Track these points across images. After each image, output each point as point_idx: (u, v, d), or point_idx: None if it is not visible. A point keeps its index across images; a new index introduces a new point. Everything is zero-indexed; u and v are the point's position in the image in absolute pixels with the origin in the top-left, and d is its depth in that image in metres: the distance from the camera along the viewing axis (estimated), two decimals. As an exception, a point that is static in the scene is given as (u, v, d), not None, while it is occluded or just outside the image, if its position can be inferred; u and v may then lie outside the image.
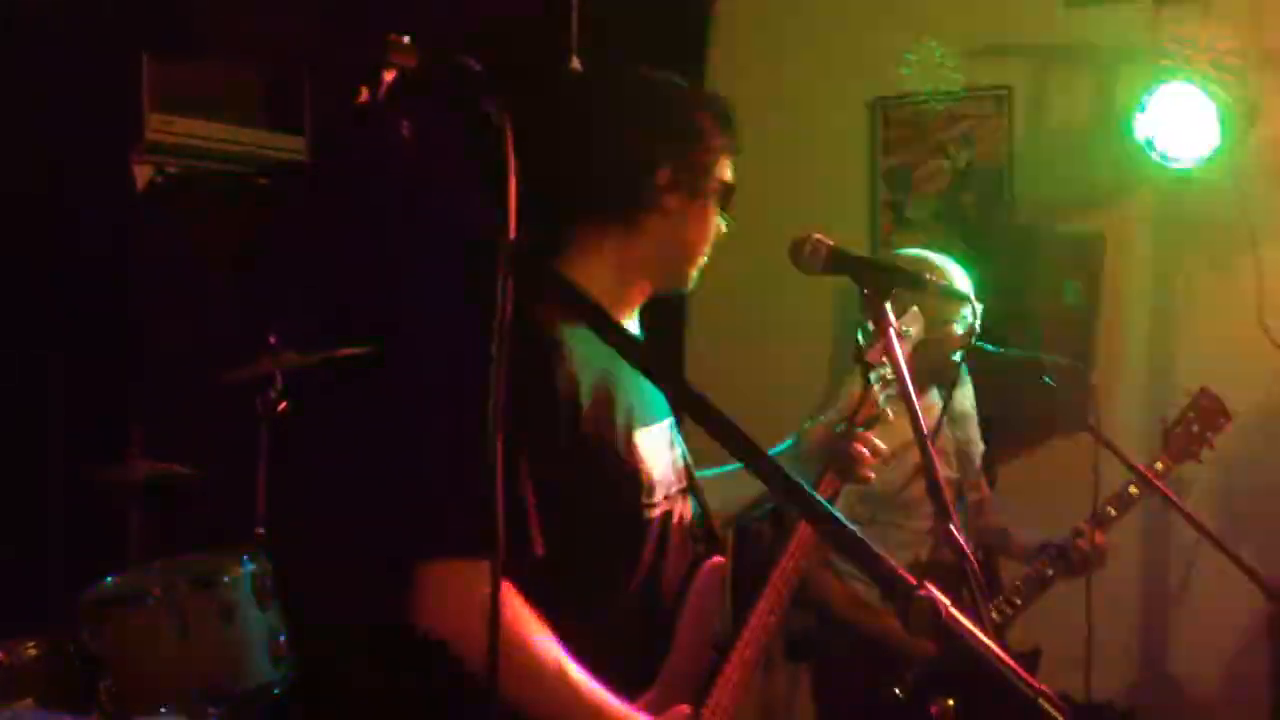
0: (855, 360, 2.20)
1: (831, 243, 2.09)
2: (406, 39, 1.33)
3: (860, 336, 2.12)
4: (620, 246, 2.04)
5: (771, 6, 4.74)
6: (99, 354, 3.97)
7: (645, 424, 2.03)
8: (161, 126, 4.10)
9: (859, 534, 1.41)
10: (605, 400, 1.95)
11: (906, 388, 1.94)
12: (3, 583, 3.22)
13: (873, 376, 2.17)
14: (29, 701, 2.91)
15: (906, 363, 2.08)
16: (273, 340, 3.61)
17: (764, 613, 2.10)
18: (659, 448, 2.06)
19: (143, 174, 4.19)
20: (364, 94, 1.30)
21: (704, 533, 2.13)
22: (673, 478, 2.09)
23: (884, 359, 2.11)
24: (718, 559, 2.10)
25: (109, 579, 3.25)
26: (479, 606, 1.79)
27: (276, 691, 3.29)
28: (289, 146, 4.46)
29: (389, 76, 1.33)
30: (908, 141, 4.56)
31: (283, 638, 3.28)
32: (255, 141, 4.36)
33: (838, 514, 1.39)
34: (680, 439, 2.17)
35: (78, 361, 3.91)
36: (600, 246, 2.05)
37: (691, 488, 2.15)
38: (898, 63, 4.32)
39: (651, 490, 2.00)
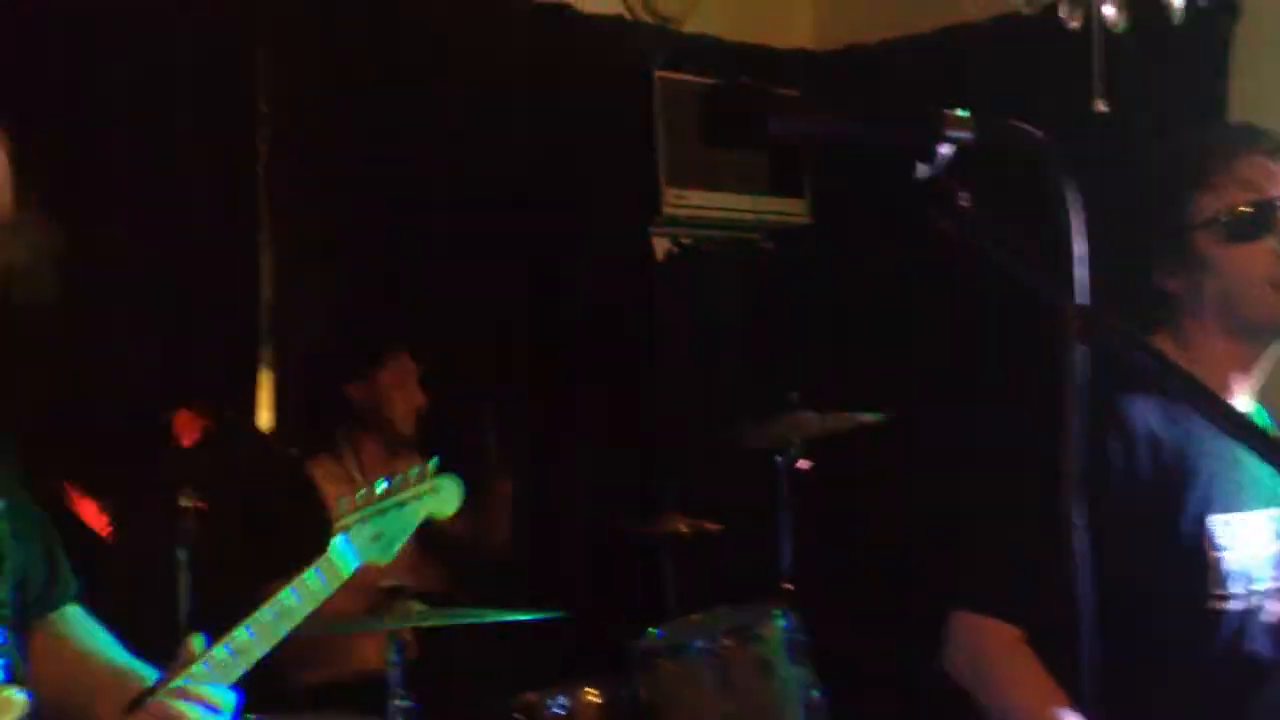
0: None
1: None
2: (962, 111, 1.35)
3: None
4: (1197, 309, 1.97)
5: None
6: (627, 416, 4.25)
7: (1233, 508, 1.92)
8: (675, 201, 4.35)
9: None
10: (1174, 478, 1.88)
11: None
12: (547, 630, 3.43)
13: None
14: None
15: None
16: (793, 399, 3.71)
17: None
18: (1253, 536, 1.94)
19: (660, 246, 4.46)
20: (920, 170, 1.34)
21: None
22: (1275, 571, 1.96)
23: None
24: None
25: (655, 630, 3.41)
26: (986, 660, 1.88)
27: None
28: (791, 210, 4.60)
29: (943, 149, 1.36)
30: None
31: (816, 693, 3.33)
32: (758, 208, 4.53)
33: None
34: None
35: (609, 423, 4.20)
36: (1194, 311, 1.97)
37: None
38: None
39: (1224, 580, 1.89)
